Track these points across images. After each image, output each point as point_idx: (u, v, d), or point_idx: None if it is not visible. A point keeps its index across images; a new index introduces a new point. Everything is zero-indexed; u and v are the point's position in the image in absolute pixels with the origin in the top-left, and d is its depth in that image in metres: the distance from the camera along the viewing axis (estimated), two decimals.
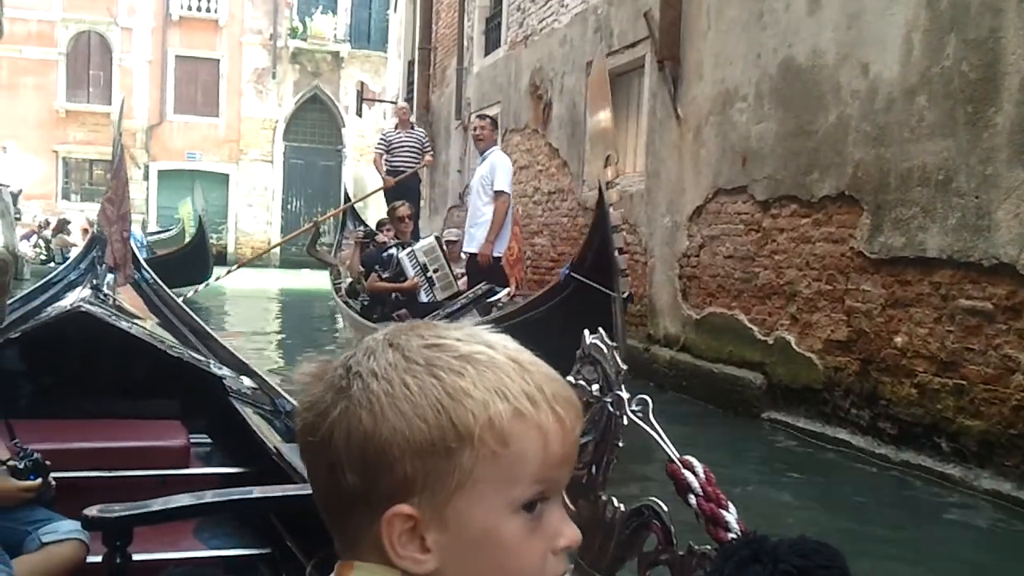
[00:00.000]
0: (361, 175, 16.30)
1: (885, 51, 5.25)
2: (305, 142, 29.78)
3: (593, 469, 1.20)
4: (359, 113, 20.70)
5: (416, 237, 9.20)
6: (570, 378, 1.26)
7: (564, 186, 10.16)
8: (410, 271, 7.64)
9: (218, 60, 28.62)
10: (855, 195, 5.47)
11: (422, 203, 13.43)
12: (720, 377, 6.72)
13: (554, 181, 10.45)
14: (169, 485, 2.41)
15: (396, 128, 11.89)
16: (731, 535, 1.08)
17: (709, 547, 1.06)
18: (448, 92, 14.89)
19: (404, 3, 18.70)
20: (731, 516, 1.10)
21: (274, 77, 28.93)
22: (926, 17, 4.94)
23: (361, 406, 0.67)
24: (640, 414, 1.20)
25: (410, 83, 17.85)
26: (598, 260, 4.62)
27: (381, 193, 11.68)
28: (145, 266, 4.58)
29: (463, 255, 7.93)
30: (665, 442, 1.16)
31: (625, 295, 4.63)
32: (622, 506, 1.17)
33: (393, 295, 7.81)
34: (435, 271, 7.61)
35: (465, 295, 6.90)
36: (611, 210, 4.53)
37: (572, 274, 4.70)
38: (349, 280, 9.96)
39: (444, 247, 7.85)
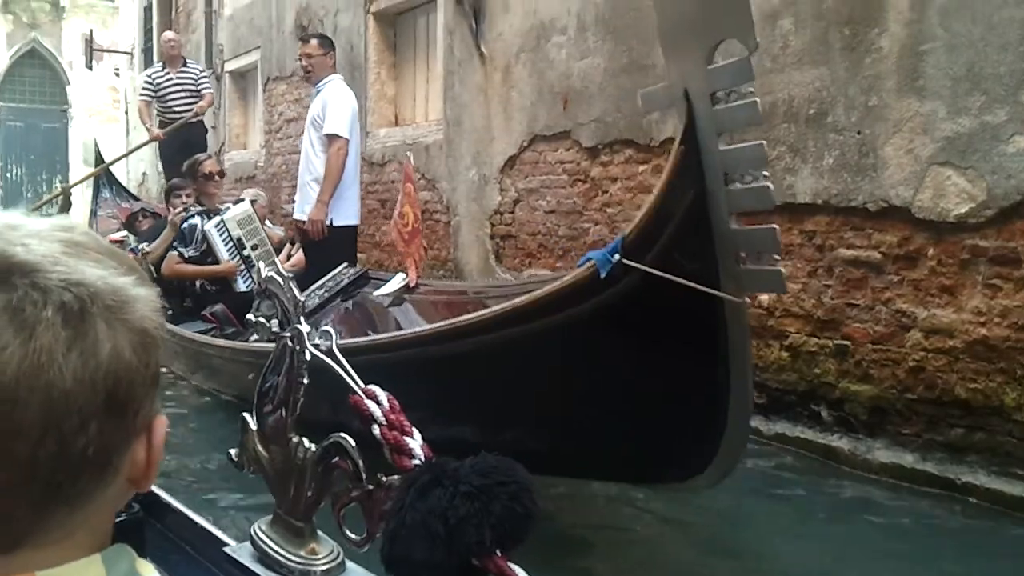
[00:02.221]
0: (93, 139, 14.16)
1: None
2: (24, 102, 26.41)
3: (282, 411, 1.16)
4: (88, 66, 18.43)
5: None
6: (249, 316, 1.39)
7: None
8: (222, 249, 5.60)
9: None
10: None
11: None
12: None
13: None
14: None
15: (163, 67, 9.57)
16: (415, 462, 1.07)
17: (396, 477, 1.05)
18: (195, 39, 13.26)
19: None
20: (415, 443, 1.09)
21: None
22: None
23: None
24: (322, 348, 1.18)
25: (147, 30, 15.97)
26: (682, 241, 2.45)
27: (154, 150, 9.90)
28: None
29: (289, 226, 6.54)
30: (349, 374, 1.16)
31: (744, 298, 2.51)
32: (313, 446, 1.14)
33: (198, 283, 5.75)
34: (253, 247, 5.65)
35: (323, 283, 4.94)
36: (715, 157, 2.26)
37: (626, 261, 2.50)
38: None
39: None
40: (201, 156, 6.34)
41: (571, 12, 5.82)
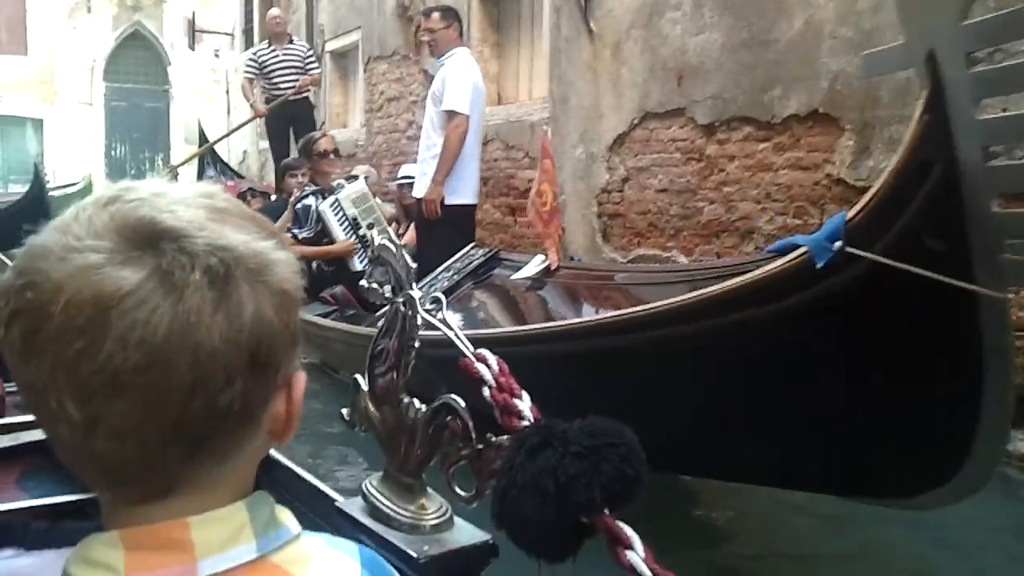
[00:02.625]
0: (197, 120, 14.35)
1: None
2: (128, 83, 27.12)
3: (394, 373, 1.18)
4: (191, 47, 18.78)
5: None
6: (363, 282, 1.32)
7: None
8: (337, 230, 5.44)
9: None
10: (832, 113, 4.66)
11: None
12: None
13: None
14: None
15: (269, 44, 9.44)
16: (524, 423, 1.09)
17: (506, 437, 1.06)
18: (296, 19, 13.38)
19: None
20: (524, 404, 1.11)
21: (89, 11, 26.13)
22: None
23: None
24: (434, 311, 1.22)
25: (248, 11, 16.22)
26: (924, 226, 2.07)
27: (252, 128, 9.97)
28: None
29: (396, 202, 6.50)
30: (459, 337, 1.19)
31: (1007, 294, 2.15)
32: (424, 407, 1.16)
33: (315, 264, 5.53)
34: (369, 226, 5.40)
35: (451, 265, 4.76)
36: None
37: (851, 249, 2.13)
38: None
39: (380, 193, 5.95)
40: (316, 134, 6.16)
41: None
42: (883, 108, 4.37)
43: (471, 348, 1.19)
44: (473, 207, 5.64)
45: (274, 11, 10.21)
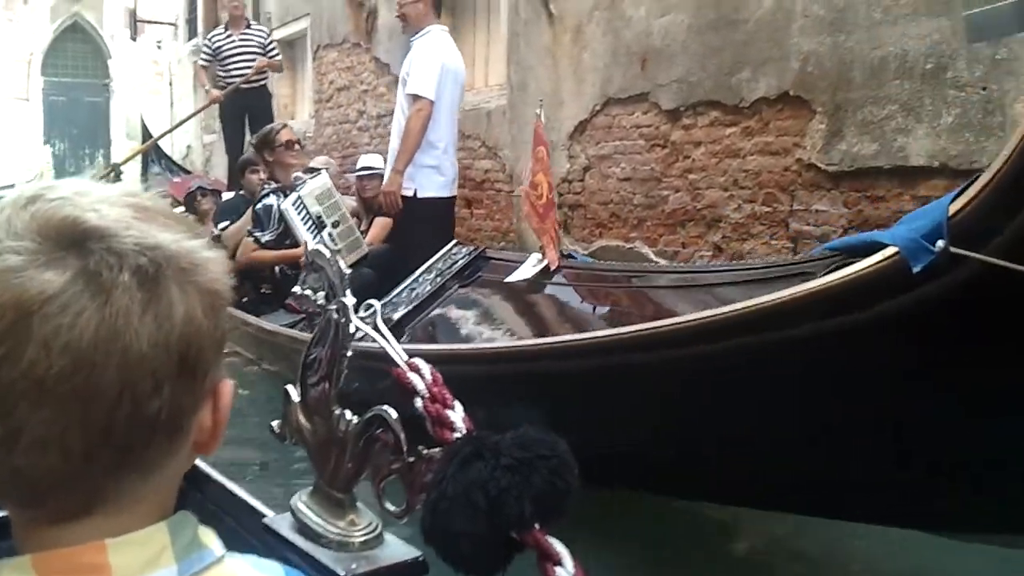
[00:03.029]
0: (140, 114, 13.77)
1: None
2: (67, 76, 26.40)
3: (326, 384, 1.17)
4: (133, 38, 18.26)
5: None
6: (296, 288, 1.32)
7: None
8: (301, 230, 4.89)
9: None
10: (803, 95, 4.52)
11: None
12: None
13: (384, 102, 9.06)
14: None
15: (226, 29, 8.85)
16: (456, 435, 1.08)
17: (437, 449, 1.05)
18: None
19: None
20: (456, 415, 1.10)
21: (26, 2, 25.36)
22: None
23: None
24: (368, 320, 1.22)
25: (192, 0, 15.79)
26: None
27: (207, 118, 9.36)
28: None
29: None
30: (393, 346, 1.20)
31: None
32: (355, 418, 1.14)
33: (277, 268, 5.08)
34: (335, 224, 4.96)
35: (431, 266, 4.26)
36: None
37: (956, 250, 1.80)
38: None
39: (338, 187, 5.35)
40: (276, 124, 5.65)
41: None
42: (856, 89, 4.24)
43: (404, 357, 1.18)
44: (449, 200, 5.23)
45: None
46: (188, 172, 10.73)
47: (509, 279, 3.86)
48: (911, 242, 1.84)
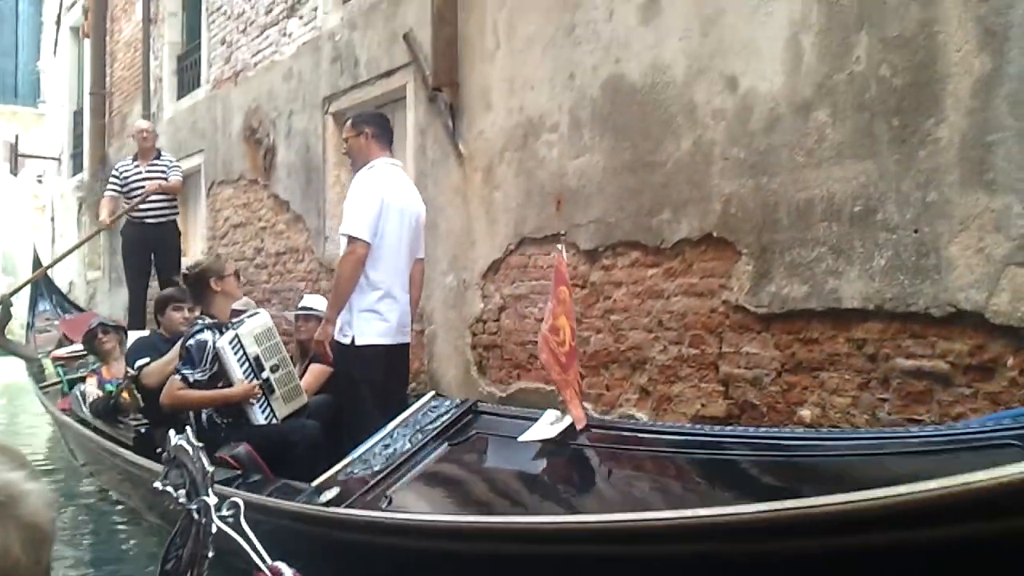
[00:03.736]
0: (32, 244, 13.06)
1: (760, 60, 4.30)
2: None
3: None
4: (13, 172, 17.63)
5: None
6: (157, 484, 1.27)
7: (299, 244, 8.54)
8: (237, 371, 4.48)
9: None
10: (728, 237, 4.45)
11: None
12: None
13: (284, 240, 8.80)
14: None
15: (134, 160, 8.65)
16: None
17: None
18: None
19: (67, 45, 16.17)
20: None
21: None
22: (820, 14, 4.04)
23: None
24: (230, 519, 1.18)
25: (78, 135, 15.39)
26: None
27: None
28: None
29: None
30: (255, 548, 1.20)
31: None
32: None
33: (206, 416, 4.56)
34: (274, 368, 4.59)
35: (407, 419, 3.82)
36: None
37: None
38: (88, 386, 6.30)
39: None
40: (213, 256, 5.38)
41: (563, 108, 5.46)
42: (782, 231, 4.19)
43: (268, 560, 1.18)
44: (395, 348, 4.61)
45: (141, 123, 9.38)
46: (82, 309, 10.09)
47: (523, 438, 3.38)
48: None
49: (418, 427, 3.72)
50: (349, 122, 4.81)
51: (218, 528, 1.16)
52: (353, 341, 4.45)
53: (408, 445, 3.57)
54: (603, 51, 5.17)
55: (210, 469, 1.19)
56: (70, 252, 11.26)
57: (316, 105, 8.15)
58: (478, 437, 3.58)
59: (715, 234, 4.51)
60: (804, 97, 4.10)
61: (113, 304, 12.54)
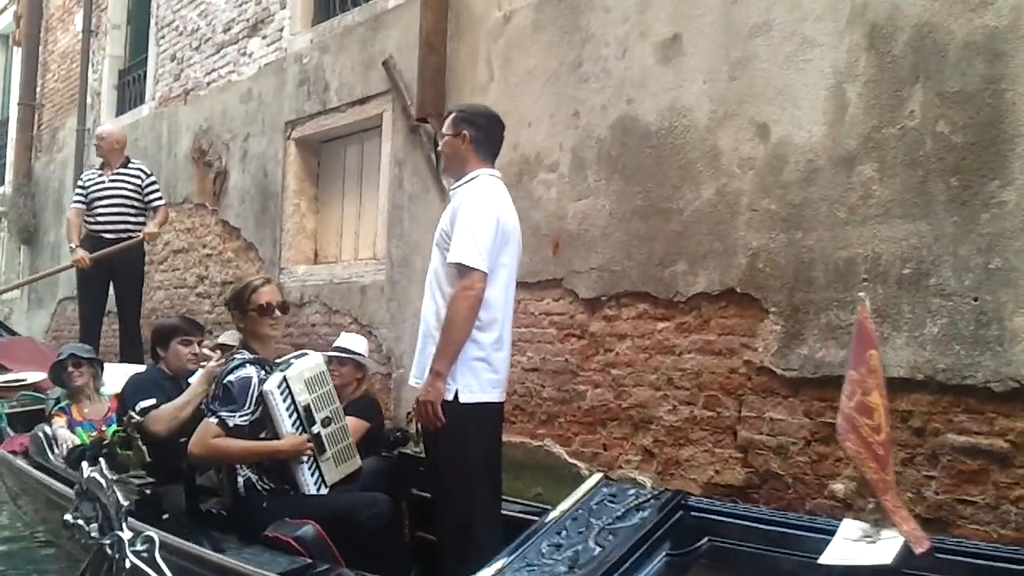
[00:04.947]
0: None
1: (797, 108, 4.05)
2: None
3: None
4: None
5: None
6: (68, 516, 1.33)
7: (249, 274, 8.01)
8: (286, 422, 3.64)
9: None
10: (753, 293, 4.17)
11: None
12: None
13: (231, 268, 8.28)
14: None
15: (100, 168, 7.48)
16: None
17: None
18: (61, 158, 12.01)
19: None
20: None
21: None
22: (868, 64, 3.81)
23: None
24: (144, 555, 0.92)
25: (0, 147, 14.54)
26: None
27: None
28: None
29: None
30: None
31: None
32: None
33: (243, 479, 3.64)
34: (324, 422, 3.74)
35: (571, 509, 3.01)
36: None
37: None
38: (57, 427, 5.24)
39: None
40: (255, 279, 3.96)
41: (564, 147, 5.15)
42: (818, 291, 3.92)
43: None
44: (499, 408, 3.68)
45: (105, 128, 8.16)
46: (14, 332, 9.15)
47: (825, 559, 2.47)
48: None
49: (600, 523, 2.83)
50: (451, 116, 3.75)
51: (131, 564, 1.05)
52: (456, 397, 3.45)
53: (595, 548, 2.68)
54: (614, 90, 4.88)
55: (124, 503, 1.12)
56: (27, 284, 10.58)
57: (277, 129, 7.70)
58: (713, 547, 2.78)
59: (739, 289, 4.22)
60: (848, 150, 3.86)
61: (31, 326, 11.73)
